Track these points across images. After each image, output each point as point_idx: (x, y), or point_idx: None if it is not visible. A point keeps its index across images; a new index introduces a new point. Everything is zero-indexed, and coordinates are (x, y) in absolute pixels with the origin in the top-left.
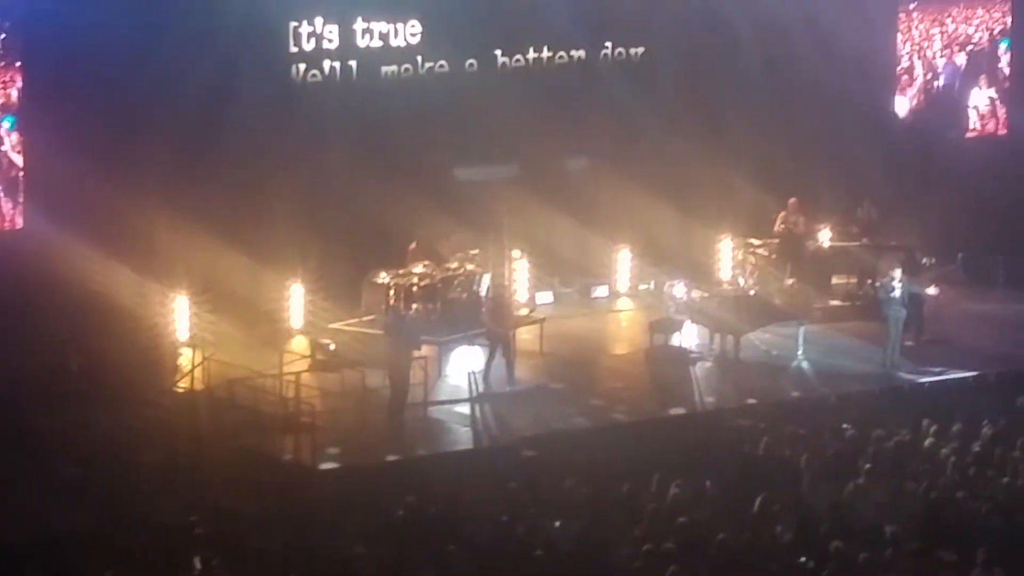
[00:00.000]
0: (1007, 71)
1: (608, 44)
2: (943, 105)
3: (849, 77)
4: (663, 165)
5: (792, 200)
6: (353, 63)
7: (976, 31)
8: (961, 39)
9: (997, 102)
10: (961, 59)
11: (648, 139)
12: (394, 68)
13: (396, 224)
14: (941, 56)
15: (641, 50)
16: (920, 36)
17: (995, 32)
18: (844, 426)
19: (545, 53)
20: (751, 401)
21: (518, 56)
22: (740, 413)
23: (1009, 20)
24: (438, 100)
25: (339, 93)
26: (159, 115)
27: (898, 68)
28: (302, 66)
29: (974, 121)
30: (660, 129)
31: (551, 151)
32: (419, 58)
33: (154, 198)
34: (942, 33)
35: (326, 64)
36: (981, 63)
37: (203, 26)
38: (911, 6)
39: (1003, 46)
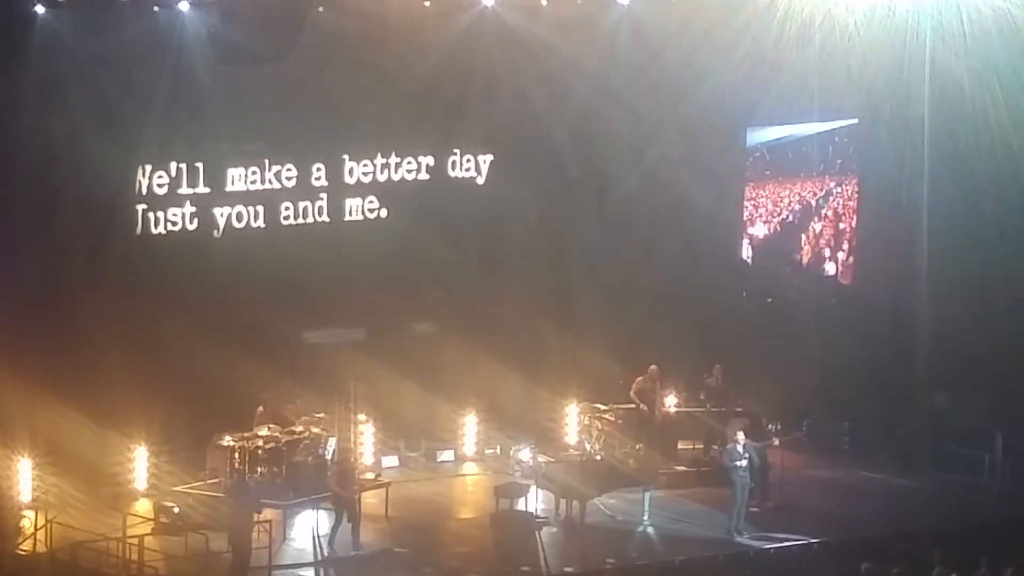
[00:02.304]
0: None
1: (456, 151)
2: (784, 234)
3: (696, 239)
4: (509, 330)
5: (652, 367)
6: (200, 165)
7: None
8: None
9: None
10: (797, 210)
11: (494, 304)
12: (241, 171)
13: (242, 387)
14: (786, 208)
15: (489, 157)
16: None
17: (819, 197)
18: None
19: (393, 159)
20: (596, 567)
21: (366, 161)
22: None
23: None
24: (287, 260)
25: (187, 239)
26: (2, 279)
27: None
28: (147, 167)
29: (805, 242)
30: (506, 294)
31: (397, 316)
32: (266, 160)
33: None
34: (789, 194)
35: (172, 166)
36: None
37: (46, 178)
38: (764, 175)
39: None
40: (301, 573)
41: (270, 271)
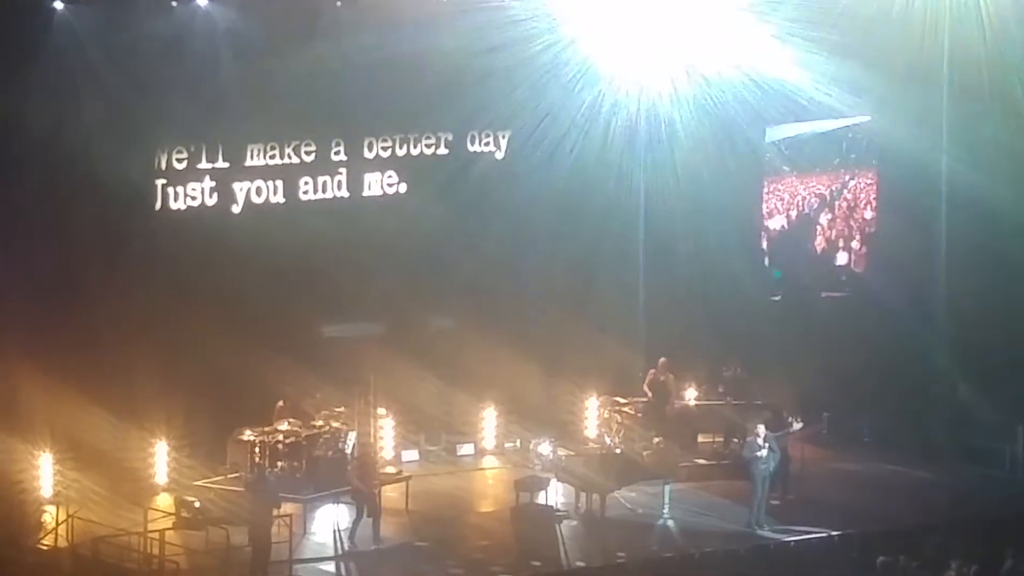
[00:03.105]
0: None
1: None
2: (800, 225)
3: (716, 232)
4: (529, 324)
5: (662, 360)
6: (220, 146)
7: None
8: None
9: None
10: (813, 203)
11: (513, 298)
12: (260, 146)
13: (263, 381)
14: (802, 202)
15: (509, 132)
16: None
17: (833, 191)
18: None
19: (412, 134)
20: (616, 560)
21: (385, 136)
22: (605, 572)
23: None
24: (306, 252)
25: (207, 224)
26: (20, 272)
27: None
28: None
29: (819, 233)
30: (525, 288)
31: (416, 310)
32: (285, 136)
33: (15, 356)
34: (805, 188)
35: (191, 145)
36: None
37: (67, 168)
38: (782, 170)
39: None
40: (322, 567)
41: (290, 265)
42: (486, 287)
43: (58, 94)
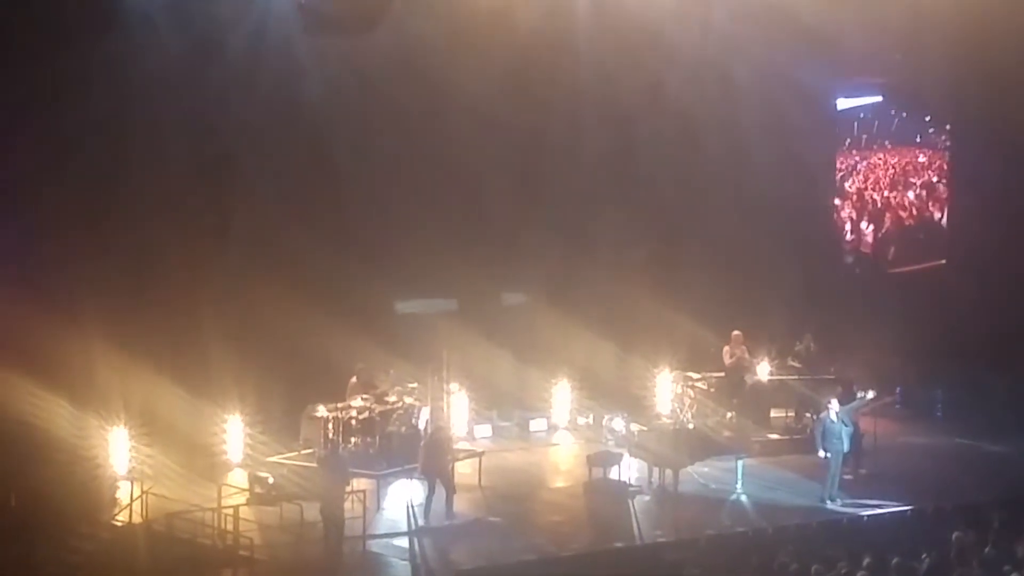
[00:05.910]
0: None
1: None
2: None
3: (789, 207)
4: (601, 299)
5: (735, 332)
6: None
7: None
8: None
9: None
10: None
11: (585, 274)
12: None
13: (336, 358)
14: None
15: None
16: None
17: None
18: (783, 560)
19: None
20: (689, 535)
21: None
22: (678, 547)
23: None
24: (378, 229)
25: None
26: (98, 250)
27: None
28: None
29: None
30: (598, 264)
31: (489, 285)
32: None
33: (92, 331)
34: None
35: None
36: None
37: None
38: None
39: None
40: (395, 542)
41: (365, 241)
42: (558, 261)
43: (123, 64)
